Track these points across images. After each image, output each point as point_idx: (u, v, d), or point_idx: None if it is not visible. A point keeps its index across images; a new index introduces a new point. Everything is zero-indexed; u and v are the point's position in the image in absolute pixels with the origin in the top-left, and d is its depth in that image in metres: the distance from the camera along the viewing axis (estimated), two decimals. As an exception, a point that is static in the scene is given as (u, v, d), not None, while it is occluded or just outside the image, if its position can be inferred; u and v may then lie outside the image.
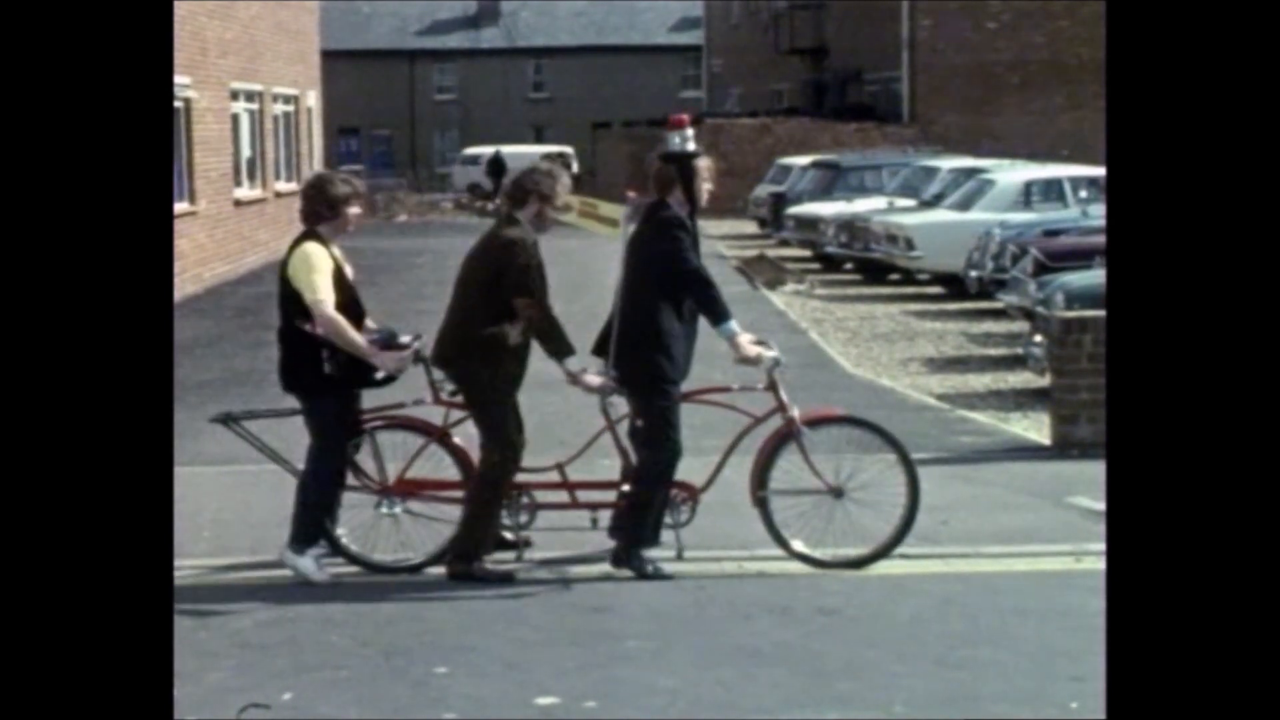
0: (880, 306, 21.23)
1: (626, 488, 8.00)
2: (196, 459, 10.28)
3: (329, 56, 39.29)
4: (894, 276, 23.82)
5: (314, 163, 32.79)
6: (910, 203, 24.38)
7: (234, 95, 25.76)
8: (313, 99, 33.21)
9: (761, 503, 8.00)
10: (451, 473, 8.04)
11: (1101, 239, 15.06)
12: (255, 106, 27.60)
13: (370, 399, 8.10)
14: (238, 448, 8.27)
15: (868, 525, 8.01)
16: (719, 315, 7.85)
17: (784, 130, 41.19)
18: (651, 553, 7.94)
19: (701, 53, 60.69)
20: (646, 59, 72.16)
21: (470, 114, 72.84)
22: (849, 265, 25.57)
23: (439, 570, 7.92)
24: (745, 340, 7.93)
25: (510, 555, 8.06)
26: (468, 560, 7.83)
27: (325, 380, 7.72)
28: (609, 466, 8.23)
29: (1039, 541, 8.59)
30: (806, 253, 27.78)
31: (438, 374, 8.02)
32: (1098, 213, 18.68)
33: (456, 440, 8.07)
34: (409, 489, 8.06)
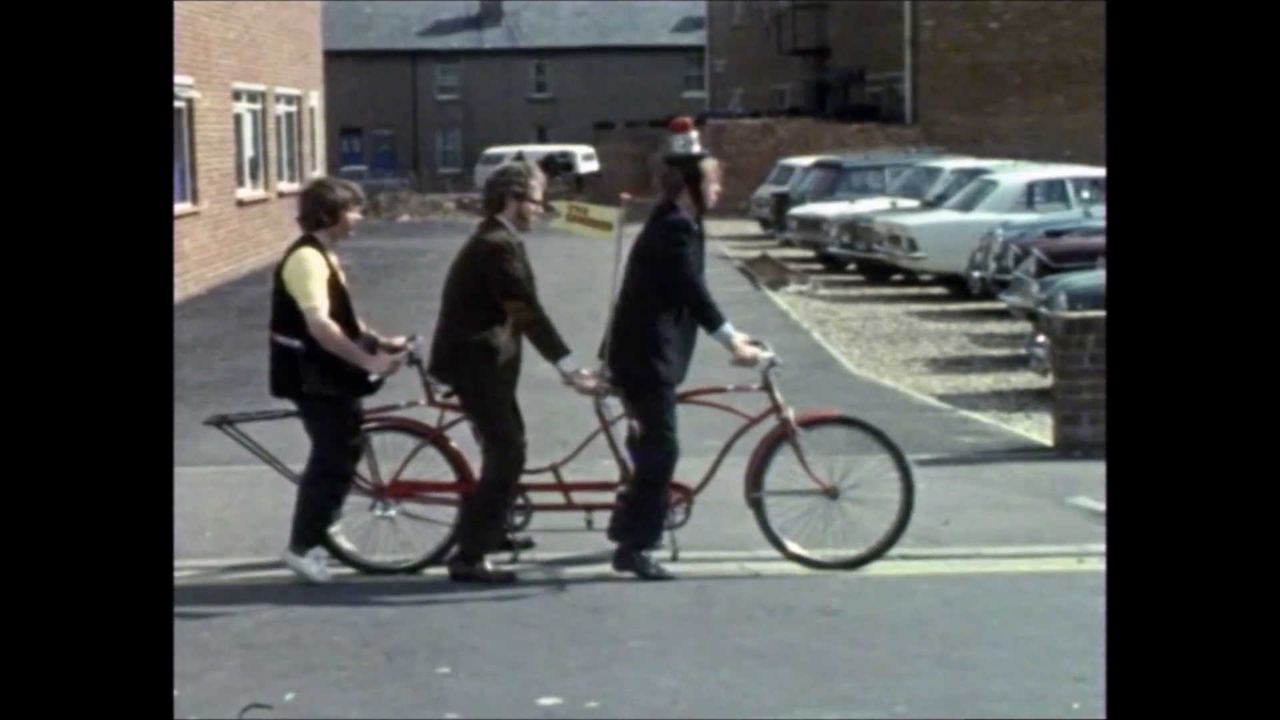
0: (883, 307, 21.22)
1: (623, 490, 8.00)
2: (198, 459, 10.27)
3: (331, 56, 39.29)
4: (897, 277, 23.80)
5: (316, 163, 32.79)
6: (913, 203, 24.37)
7: (236, 95, 25.76)
8: (315, 99, 33.20)
9: (756, 504, 8.00)
10: (447, 474, 8.04)
11: (1104, 240, 15.04)
12: (258, 107, 27.60)
13: (366, 400, 8.09)
14: (239, 448, 8.27)
15: (863, 526, 8.01)
16: (712, 322, 7.87)
17: (786, 131, 41.13)
18: (650, 554, 7.94)
19: (704, 53, 60.68)
20: (649, 59, 72.18)
21: (473, 114, 72.88)
22: (852, 266, 25.56)
23: (441, 571, 7.92)
24: (740, 341, 7.94)
25: (506, 556, 8.06)
26: (471, 561, 7.83)
27: (311, 390, 7.72)
28: (609, 467, 8.23)
29: (1041, 542, 8.59)
30: (809, 253, 27.76)
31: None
32: (1100, 213, 18.67)
33: (451, 442, 8.07)
34: (404, 491, 8.06)
